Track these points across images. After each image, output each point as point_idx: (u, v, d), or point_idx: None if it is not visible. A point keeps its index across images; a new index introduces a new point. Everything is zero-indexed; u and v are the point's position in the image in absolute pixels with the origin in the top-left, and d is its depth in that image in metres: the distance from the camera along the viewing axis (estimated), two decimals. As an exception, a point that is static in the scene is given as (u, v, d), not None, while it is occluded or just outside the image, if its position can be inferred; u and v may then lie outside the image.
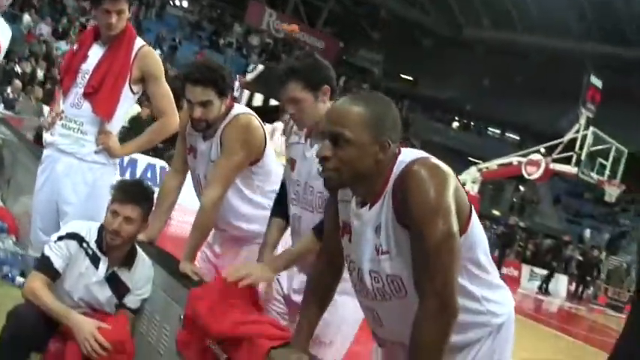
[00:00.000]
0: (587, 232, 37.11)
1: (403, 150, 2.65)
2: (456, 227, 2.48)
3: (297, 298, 3.68)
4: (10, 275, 6.05)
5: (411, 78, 48.59)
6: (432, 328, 2.42)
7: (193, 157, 4.36)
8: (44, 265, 3.98)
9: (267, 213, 4.09)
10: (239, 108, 4.25)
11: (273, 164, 4.39)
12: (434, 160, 2.57)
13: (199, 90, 4.01)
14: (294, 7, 43.99)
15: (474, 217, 2.68)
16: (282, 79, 3.57)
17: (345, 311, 3.63)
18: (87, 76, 4.63)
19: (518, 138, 38.12)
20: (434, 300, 2.42)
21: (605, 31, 37.52)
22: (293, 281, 3.90)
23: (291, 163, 3.86)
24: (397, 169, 2.58)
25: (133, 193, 4.06)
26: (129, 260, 4.10)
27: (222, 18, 39.76)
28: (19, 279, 6.03)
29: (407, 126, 43.58)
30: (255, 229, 4.27)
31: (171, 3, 40.24)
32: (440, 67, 45.00)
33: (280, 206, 3.91)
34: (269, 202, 4.17)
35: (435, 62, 45.23)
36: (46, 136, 4.81)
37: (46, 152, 4.81)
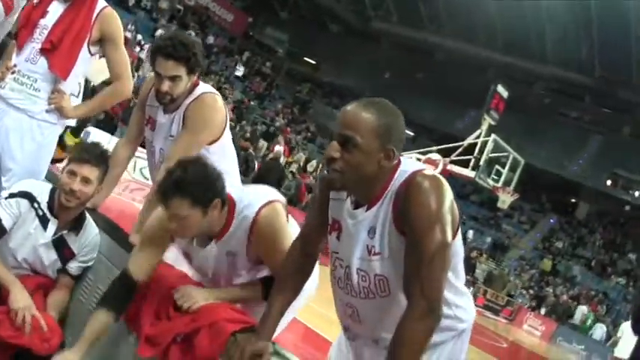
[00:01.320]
0: (470, 233, 37.95)
1: (402, 160, 2.79)
2: (450, 238, 2.63)
3: None
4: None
5: (313, 62, 48.61)
6: (417, 328, 2.54)
7: (151, 128, 4.37)
8: None
9: None
10: (204, 86, 4.28)
11: (229, 143, 4.43)
12: (435, 173, 2.72)
13: (171, 64, 4.04)
14: (209, -24, 43.37)
15: (459, 229, 2.81)
16: (168, 193, 3.25)
17: None
18: (45, 32, 4.47)
19: (412, 134, 38.78)
20: (423, 303, 2.55)
21: (510, 41, 38.31)
22: None
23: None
24: (398, 176, 2.72)
25: (92, 153, 4.01)
26: (77, 225, 4.05)
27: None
28: None
29: (305, 109, 43.68)
30: None
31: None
32: (344, 55, 45.43)
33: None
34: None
35: (340, 50, 45.64)
36: None
37: None
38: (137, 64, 26.43)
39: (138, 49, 29.50)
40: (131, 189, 15.10)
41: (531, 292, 34.55)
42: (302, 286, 3.16)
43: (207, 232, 3.40)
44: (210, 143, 4.22)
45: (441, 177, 2.69)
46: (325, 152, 2.78)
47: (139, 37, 31.49)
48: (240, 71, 39.56)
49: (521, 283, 34.85)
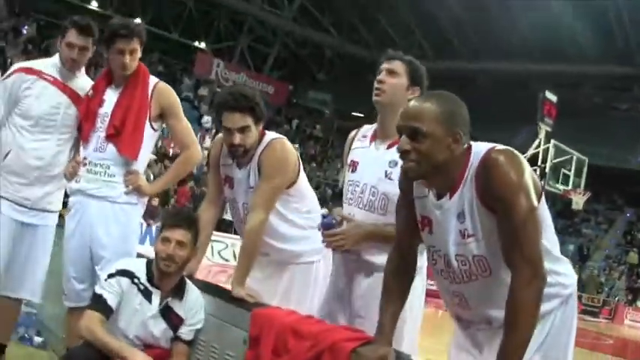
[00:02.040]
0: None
1: (474, 143, 2.92)
2: (536, 203, 2.80)
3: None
4: (26, 336, 5.95)
5: (362, 115, 48.81)
6: (527, 293, 2.69)
7: (230, 187, 4.45)
8: (98, 303, 3.99)
9: (307, 233, 4.36)
10: (271, 134, 4.37)
11: (307, 186, 4.56)
12: (508, 147, 2.87)
13: (237, 116, 4.13)
14: (241, 55, 44.22)
15: (542, 196, 2.94)
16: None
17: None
18: (106, 120, 4.63)
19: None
20: (526, 268, 2.71)
21: (547, 49, 38.22)
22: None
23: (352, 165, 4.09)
24: (473, 159, 2.87)
25: (181, 218, 4.16)
26: (179, 291, 4.14)
27: (172, 72, 39.71)
28: (37, 338, 5.99)
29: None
30: (297, 250, 4.42)
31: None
32: None
33: None
34: (307, 223, 4.39)
35: None
36: (71, 184, 4.76)
37: (72, 199, 4.76)
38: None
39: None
40: (214, 273, 15.39)
41: (625, 288, 34.12)
42: (409, 289, 3.24)
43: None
44: (289, 187, 4.33)
45: (513, 149, 2.85)
46: (397, 148, 2.93)
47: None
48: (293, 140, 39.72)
49: (612, 280, 34.42)
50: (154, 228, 17.91)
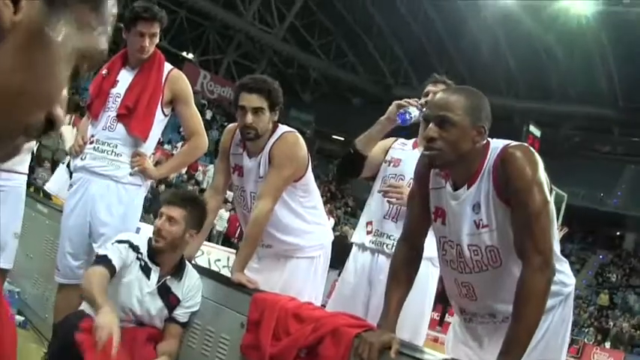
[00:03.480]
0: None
1: (492, 139, 3.06)
2: (549, 197, 2.91)
3: None
4: (6, 314, 5.91)
5: (342, 138, 48.97)
6: (536, 281, 2.79)
7: (239, 175, 4.51)
8: (103, 260, 3.96)
9: (311, 228, 4.46)
10: (284, 127, 4.45)
11: (313, 182, 4.62)
12: (525, 144, 3.05)
13: (254, 97, 4.20)
14: (227, 68, 44.32)
15: (550, 193, 3.01)
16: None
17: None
18: (118, 100, 4.66)
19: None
20: (538, 257, 2.80)
21: (531, 86, 38.67)
22: None
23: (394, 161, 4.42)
24: (491, 153, 3.00)
25: (179, 196, 4.26)
26: (178, 271, 4.16)
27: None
28: (18, 317, 5.90)
29: (341, 186, 43.83)
30: (299, 243, 4.47)
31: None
32: (370, 125, 44.93)
33: None
34: (312, 218, 4.49)
35: (366, 121, 43.83)
36: (76, 162, 4.77)
37: (76, 175, 4.77)
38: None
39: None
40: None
41: (593, 327, 34.29)
42: (414, 278, 3.31)
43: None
44: (297, 180, 4.40)
45: (529, 146, 3.02)
46: (424, 135, 3.07)
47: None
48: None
49: (582, 321, 34.60)
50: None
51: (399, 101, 4.26)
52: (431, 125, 2.98)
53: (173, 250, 4.11)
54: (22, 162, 4.75)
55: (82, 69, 0.94)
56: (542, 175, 2.90)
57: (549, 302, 3.00)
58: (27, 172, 4.89)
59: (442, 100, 3.03)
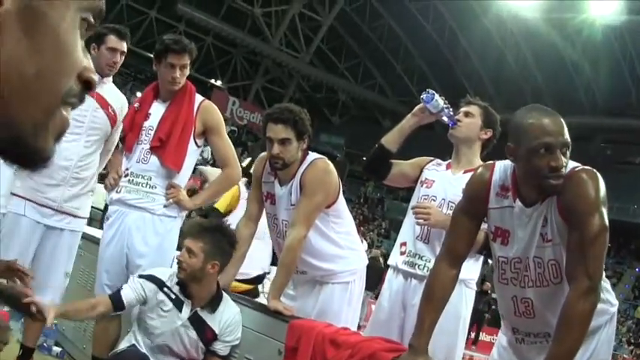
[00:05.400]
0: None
1: None
2: (607, 223, 2.91)
3: None
4: (45, 345, 5.98)
5: (373, 159, 48.91)
6: (583, 305, 2.78)
7: (271, 203, 4.52)
8: (115, 293, 4.14)
9: (345, 253, 4.46)
10: (314, 154, 4.46)
11: (345, 208, 4.64)
12: (591, 168, 3.02)
13: (280, 127, 4.22)
14: (256, 94, 44.58)
15: None
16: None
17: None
18: (151, 132, 4.71)
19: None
20: (586, 281, 2.80)
21: (560, 100, 38.41)
22: None
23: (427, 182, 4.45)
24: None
25: (196, 227, 4.24)
26: (212, 303, 4.15)
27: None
28: (55, 348, 6.05)
29: (376, 207, 43.76)
30: (333, 268, 4.47)
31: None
32: (401, 146, 45.12)
33: None
34: (345, 243, 4.48)
35: None
36: (111, 195, 4.83)
37: (112, 208, 4.83)
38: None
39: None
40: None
41: (632, 343, 33.88)
42: (448, 298, 3.28)
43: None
44: (328, 207, 4.41)
45: (596, 171, 3.01)
46: (558, 164, 2.93)
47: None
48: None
49: (620, 334, 34.17)
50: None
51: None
52: (558, 153, 2.93)
53: (197, 282, 4.10)
54: (84, 206, 4.94)
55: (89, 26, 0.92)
56: (605, 201, 2.92)
57: (597, 321, 3.05)
58: (88, 215, 5.05)
59: (559, 125, 3.00)
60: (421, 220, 4.21)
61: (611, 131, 39.59)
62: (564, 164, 2.94)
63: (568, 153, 2.96)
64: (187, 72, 4.73)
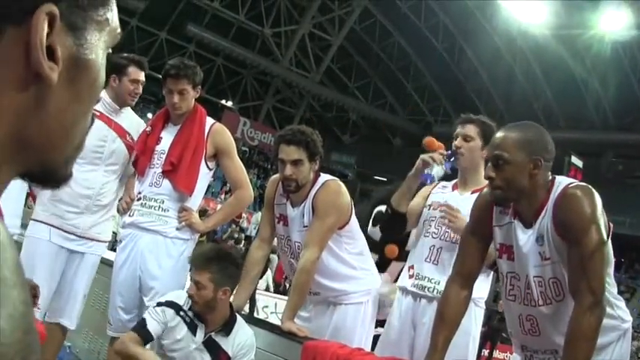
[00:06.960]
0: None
1: (558, 177, 3.19)
2: (606, 237, 3.00)
3: None
4: (59, 367, 5.99)
5: (384, 179, 48.77)
6: (588, 320, 2.85)
7: (284, 224, 4.57)
8: (139, 325, 4.10)
9: (358, 273, 4.50)
10: (326, 176, 4.53)
11: (358, 229, 4.66)
12: (586, 184, 3.14)
13: (292, 149, 4.28)
14: (267, 114, 44.64)
15: (609, 234, 3.13)
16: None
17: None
18: (163, 156, 4.75)
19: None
20: (589, 297, 2.87)
21: (571, 117, 38.38)
22: None
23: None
24: (556, 189, 3.11)
25: (200, 258, 4.21)
26: (227, 326, 4.14)
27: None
28: None
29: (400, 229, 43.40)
30: (347, 289, 4.50)
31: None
32: (412, 165, 44.91)
33: None
34: (358, 264, 4.52)
35: (408, 161, 44.46)
36: (124, 218, 4.91)
37: (124, 232, 4.90)
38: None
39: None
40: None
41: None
42: (461, 318, 3.39)
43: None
44: (341, 228, 4.44)
45: (591, 187, 3.10)
46: (484, 176, 3.29)
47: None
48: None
49: (635, 349, 33.84)
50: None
51: (424, 155, 4.29)
52: (488, 165, 3.14)
53: (211, 310, 4.09)
54: (105, 231, 5.08)
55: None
56: (601, 215, 2.99)
57: (608, 337, 3.16)
58: (109, 239, 5.18)
59: (496, 140, 3.19)
60: (446, 220, 4.22)
61: (622, 146, 39.35)
62: (491, 175, 3.12)
63: (506, 167, 3.09)
64: (190, 96, 4.77)
